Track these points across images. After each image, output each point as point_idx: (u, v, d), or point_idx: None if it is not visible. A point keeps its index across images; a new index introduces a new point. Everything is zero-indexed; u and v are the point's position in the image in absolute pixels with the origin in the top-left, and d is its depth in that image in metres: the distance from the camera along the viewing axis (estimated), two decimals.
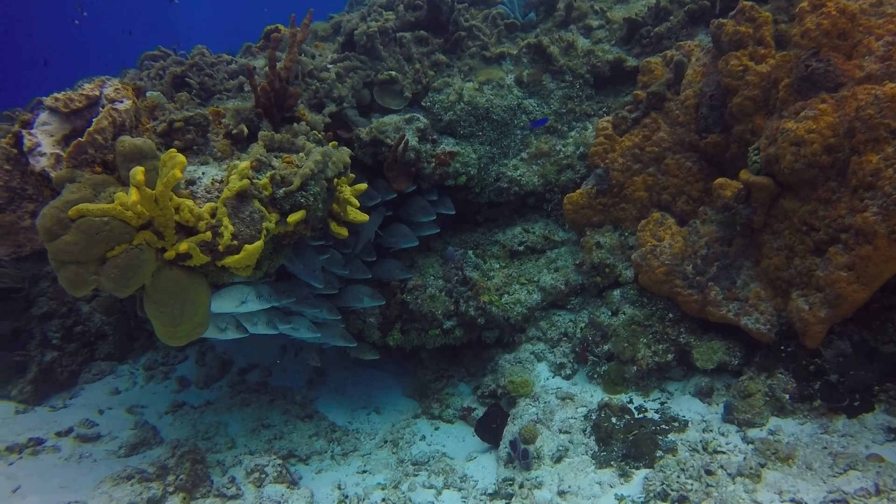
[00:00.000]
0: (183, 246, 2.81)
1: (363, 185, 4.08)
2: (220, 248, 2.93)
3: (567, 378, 4.36)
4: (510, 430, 4.01)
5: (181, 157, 2.67)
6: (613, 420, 3.74)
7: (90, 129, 2.75)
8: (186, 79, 4.69)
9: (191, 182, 3.15)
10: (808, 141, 3.04)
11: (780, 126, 3.19)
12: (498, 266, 4.79)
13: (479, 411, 4.68)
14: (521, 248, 4.82)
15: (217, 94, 4.81)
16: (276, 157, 3.36)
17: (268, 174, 3.18)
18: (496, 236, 4.93)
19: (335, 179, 3.65)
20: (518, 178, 4.71)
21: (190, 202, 2.88)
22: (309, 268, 4.19)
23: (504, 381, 4.40)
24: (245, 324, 3.84)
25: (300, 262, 4.24)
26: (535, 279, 4.66)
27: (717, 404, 3.70)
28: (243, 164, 3.04)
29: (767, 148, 3.28)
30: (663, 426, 3.63)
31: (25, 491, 3.94)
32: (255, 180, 3.16)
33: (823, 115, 2.99)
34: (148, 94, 4.19)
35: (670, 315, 4.00)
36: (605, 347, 4.16)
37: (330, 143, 4.05)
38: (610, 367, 4.10)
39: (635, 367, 3.96)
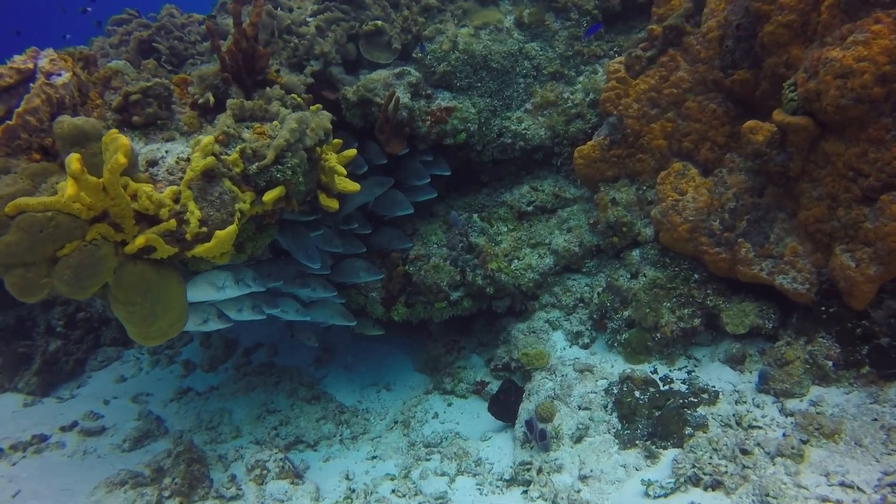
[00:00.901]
0: (140, 240, 2.50)
1: (352, 151, 3.70)
2: (188, 236, 2.61)
3: (585, 347, 4.04)
4: (526, 408, 3.73)
5: (123, 140, 2.32)
6: (637, 394, 3.42)
7: (19, 109, 2.41)
8: (154, 44, 4.30)
9: (152, 163, 2.81)
10: (858, 71, 2.58)
11: (823, 56, 2.73)
12: (506, 229, 4.43)
13: (494, 385, 4.40)
14: (530, 208, 4.44)
15: (190, 59, 4.42)
16: (247, 127, 3.00)
17: (238, 148, 2.82)
18: (502, 196, 4.55)
19: (318, 148, 3.29)
20: (523, 131, 4.28)
21: (148, 188, 2.54)
22: (301, 246, 3.88)
23: (517, 353, 4.09)
24: (228, 312, 3.56)
25: (292, 239, 3.93)
26: (547, 241, 4.30)
27: (751, 372, 3.36)
28: (206, 140, 2.69)
29: (806, 83, 2.82)
30: (692, 399, 3.31)
31: (25, 495, 3.78)
32: (223, 156, 2.81)
33: (877, 37, 2.53)
34: (109, 62, 3.83)
35: (696, 276, 3.62)
36: (625, 313, 3.82)
37: (312, 108, 3.67)
38: (631, 335, 3.76)
39: (659, 334, 3.62)
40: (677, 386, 3.45)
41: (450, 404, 4.53)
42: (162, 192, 2.59)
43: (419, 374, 5.01)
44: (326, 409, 4.58)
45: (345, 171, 3.33)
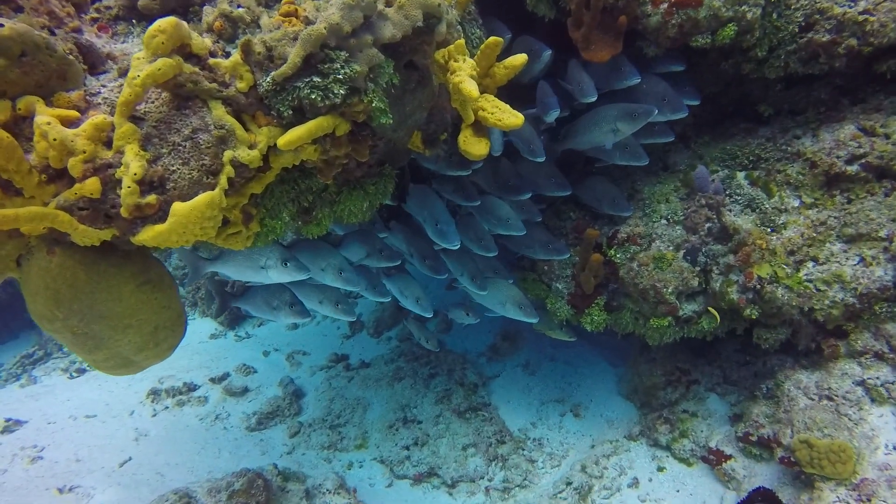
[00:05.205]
0: (26, 213, 1.36)
1: (520, 58, 2.14)
2: (123, 211, 1.40)
3: None
4: None
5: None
6: None
7: None
8: None
9: (125, 73, 1.65)
10: None
11: None
12: (797, 204, 2.48)
13: (739, 463, 2.64)
14: (854, 167, 2.39)
15: None
16: (270, 9, 1.64)
17: (240, 43, 1.51)
18: (797, 144, 2.56)
19: (426, 46, 1.81)
20: (860, 18, 2.22)
21: (47, 117, 1.37)
22: (431, 215, 2.53)
23: (792, 433, 2.26)
24: (307, 303, 2.43)
25: (419, 203, 2.60)
26: (883, 235, 2.27)
27: None
28: (159, 24, 1.38)
29: None
30: None
31: (127, 469, 3.28)
32: (210, 61, 1.51)
33: None
34: None
35: None
36: None
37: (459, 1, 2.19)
38: None
39: None
40: None
41: (661, 468, 2.90)
42: (80, 126, 1.41)
43: (625, 400, 3.41)
44: (481, 431, 3.28)
45: (476, 92, 1.78)
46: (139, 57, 1.37)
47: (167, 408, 4.01)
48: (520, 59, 2.15)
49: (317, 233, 2.09)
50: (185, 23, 1.41)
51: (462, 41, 1.90)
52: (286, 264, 2.15)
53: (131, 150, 1.38)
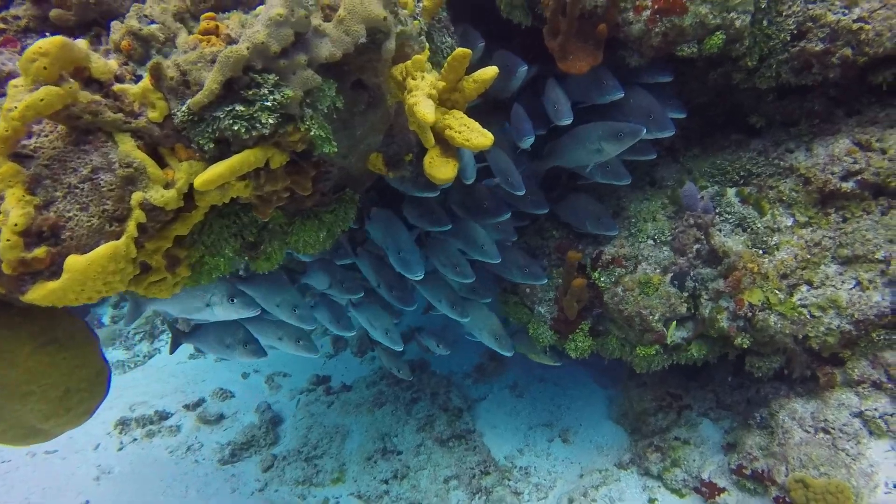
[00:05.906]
0: None
1: (490, 71, 1.97)
2: (6, 268, 1.22)
3: None
4: None
5: None
6: None
7: None
8: None
9: None
10: None
11: None
12: (791, 223, 2.33)
13: (733, 497, 2.48)
14: (849, 184, 2.25)
15: None
16: (197, 22, 1.46)
17: (149, 66, 1.33)
18: (790, 158, 2.41)
19: (376, 63, 1.64)
20: (855, 26, 2.07)
21: None
22: (395, 243, 2.36)
23: (786, 471, 2.11)
24: (265, 340, 2.28)
25: (383, 228, 2.43)
26: (880, 257, 2.13)
27: None
28: (39, 46, 1.18)
29: None
30: None
31: None
32: (115, 87, 1.32)
33: None
34: None
35: None
36: None
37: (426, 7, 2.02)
38: None
39: None
40: None
41: (652, 500, 2.75)
42: None
43: (615, 425, 3.26)
44: (464, 462, 3.12)
45: (431, 117, 1.59)
46: (17, 84, 1.18)
47: (135, 440, 3.79)
48: (489, 71, 1.97)
49: (268, 268, 1.91)
50: (80, 42, 1.23)
51: (421, 56, 1.73)
52: (233, 300, 1.99)
53: (13, 196, 1.20)
